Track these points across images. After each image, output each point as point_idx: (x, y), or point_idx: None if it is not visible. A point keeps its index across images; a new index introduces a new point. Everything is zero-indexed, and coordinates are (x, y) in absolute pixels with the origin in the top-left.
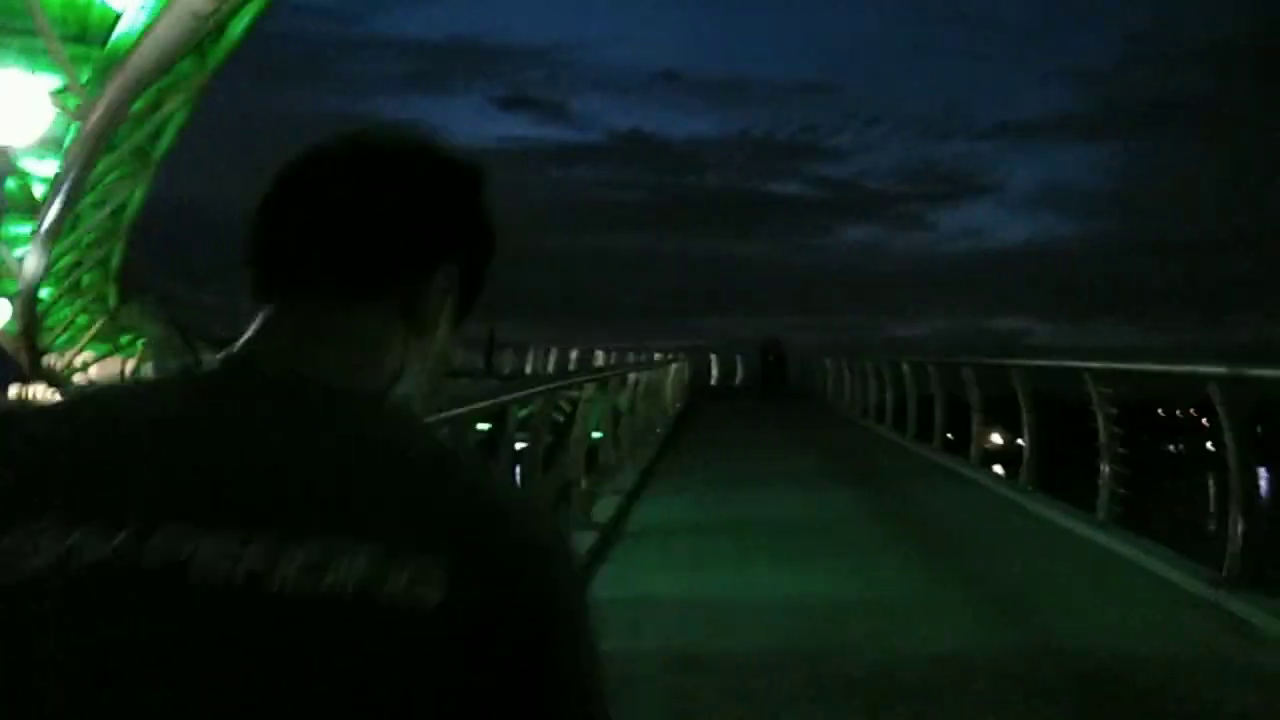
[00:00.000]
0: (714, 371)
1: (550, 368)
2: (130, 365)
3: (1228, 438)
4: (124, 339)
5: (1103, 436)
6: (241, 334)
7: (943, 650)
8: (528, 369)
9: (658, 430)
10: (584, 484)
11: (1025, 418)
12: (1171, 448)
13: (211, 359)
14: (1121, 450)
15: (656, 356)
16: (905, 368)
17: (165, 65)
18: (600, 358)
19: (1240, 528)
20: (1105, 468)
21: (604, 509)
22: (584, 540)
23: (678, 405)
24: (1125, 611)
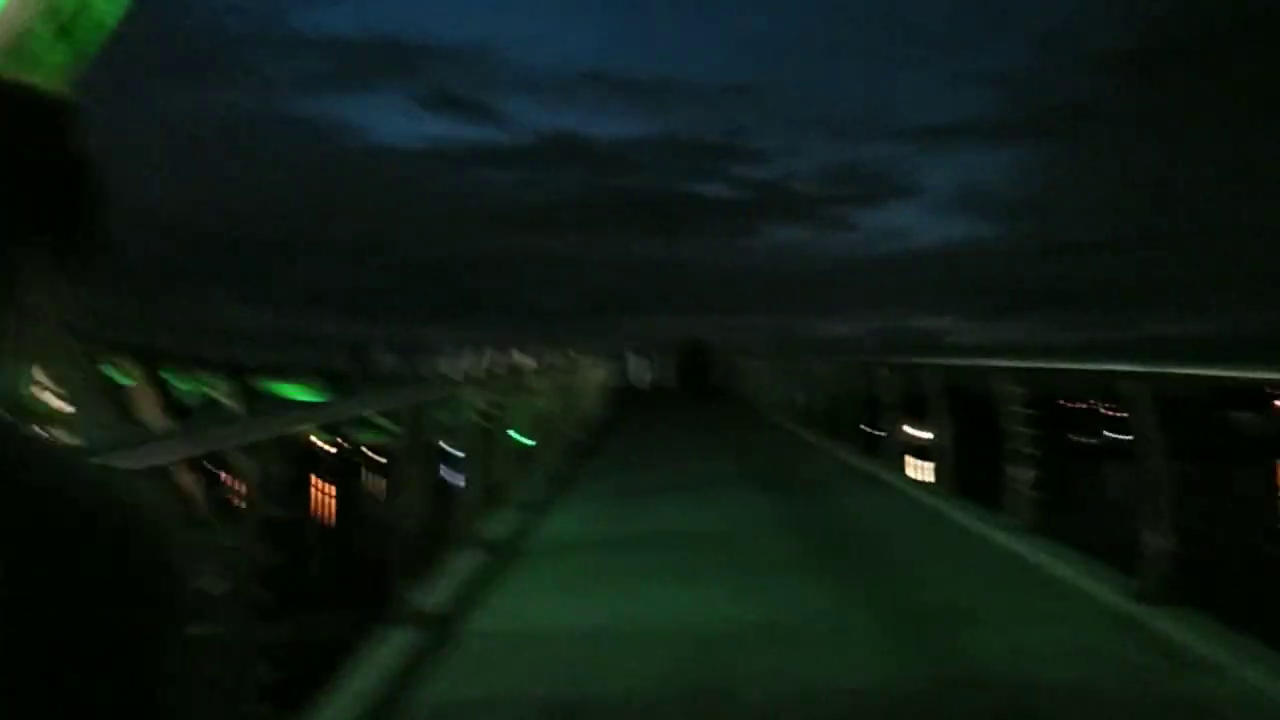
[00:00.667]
0: (636, 374)
1: (462, 372)
2: None
3: (1147, 446)
4: None
5: (1015, 438)
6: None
7: (849, 682)
8: (441, 371)
9: (573, 437)
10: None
11: (939, 420)
12: (1080, 439)
13: None
14: (1034, 452)
15: (574, 357)
16: (825, 368)
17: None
18: (518, 359)
19: (1159, 543)
20: (1019, 471)
21: (501, 525)
22: (469, 561)
23: (598, 409)
24: (1044, 631)
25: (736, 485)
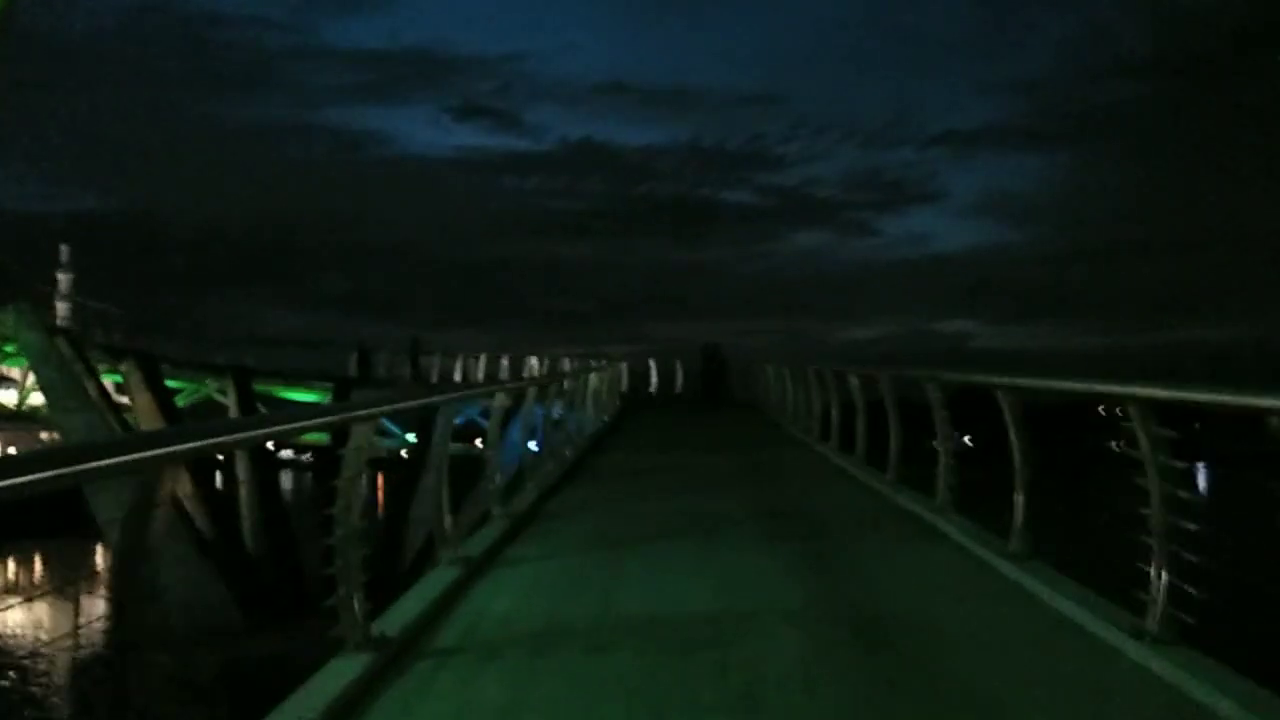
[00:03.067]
0: (652, 379)
1: (479, 375)
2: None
3: (1150, 470)
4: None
5: (1017, 462)
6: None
7: None
8: (456, 376)
9: (566, 452)
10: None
11: (1018, 456)
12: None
13: None
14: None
15: (591, 363)
16: (854, 381)
17: None
18: (533, 365)
19: (1164, 579)
20: (1019, 498)
21: (422, 596)
22: (349, 669)
23: (604, 418)
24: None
25: (743, 534)
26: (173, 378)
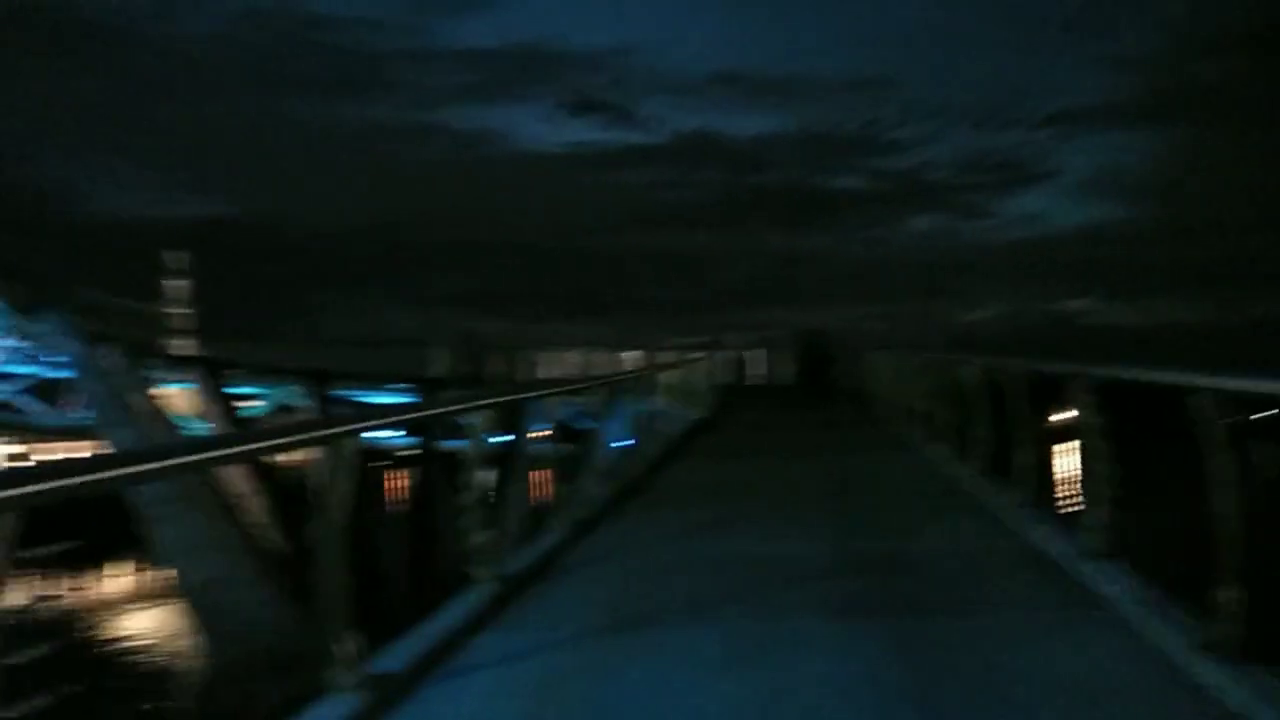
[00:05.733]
0: (755, 369)
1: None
2: None
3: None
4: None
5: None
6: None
7: None
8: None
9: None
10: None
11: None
12: None
13: None
14: None
15: (673, 356)
16: (971, 372)
17: None
18: (628, 359)
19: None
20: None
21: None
22: None
23: (693, 416)
24: None
25: (814, 602)
26: (249, 384)
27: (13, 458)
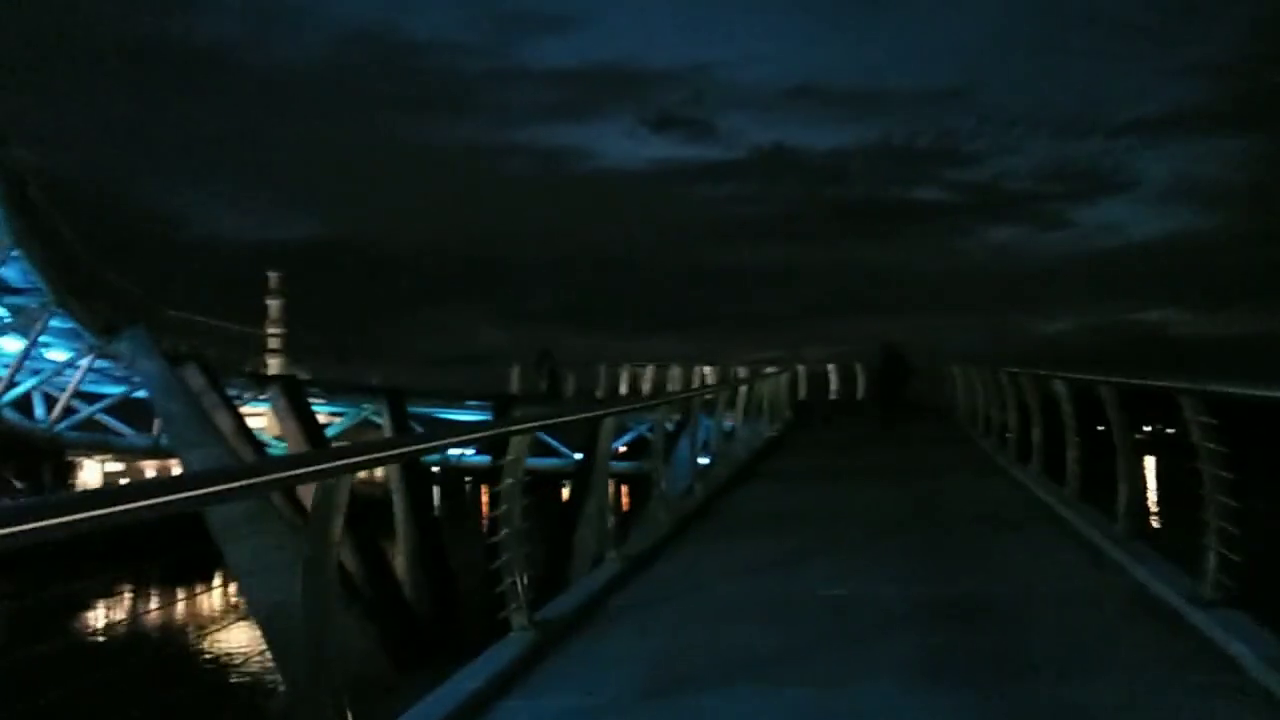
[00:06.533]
0: (832, 383)
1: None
2: None
3: None
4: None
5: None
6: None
7: None
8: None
9: (697, 486)
10: None
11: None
12: None
13: None
14: None
15: (748, 371)
16: (1060, 388)
17: None
18: (705, 373)
19: None
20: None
21: None
22: None
23: (767, 433)
24: None
25: (893, 662)
26: (330, 402)
27: (108, 475)
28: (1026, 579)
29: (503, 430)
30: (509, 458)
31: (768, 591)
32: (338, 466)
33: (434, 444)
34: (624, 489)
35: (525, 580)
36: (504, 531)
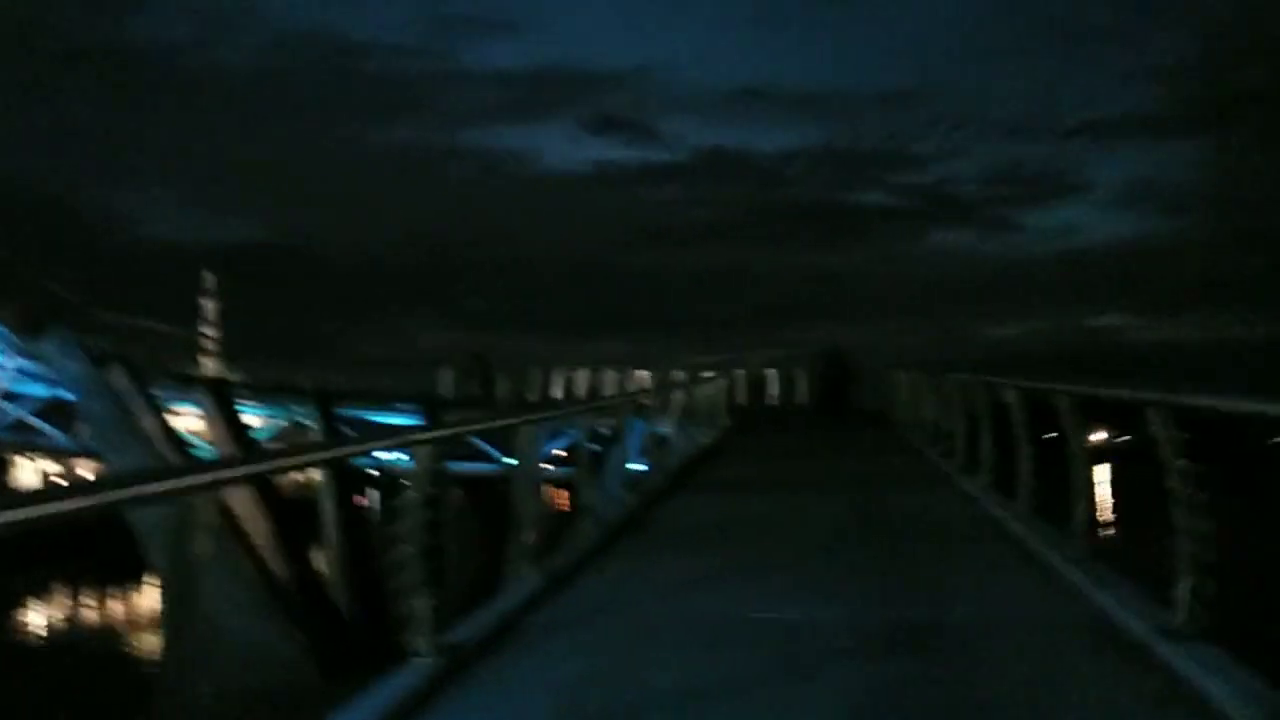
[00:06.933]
0: (773, 388)
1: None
2: None
3: None
4: None
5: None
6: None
7: None
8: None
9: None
10: None
11: None
12: None
13: None
14: None
15: (688, 375)
16: (1011, 396)
17: None
18: (636, 378)
19: None
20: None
21: None
22: None
23: (703, 440)
24: None
25: (859, 688)
26: (260, 405)
27: (47, 476)
28: (979, 603)
29: (406, 440)
30: (414, 469)
31: (698, 613)
32: (194, 483)
33: (330, 454)
34: (565, 493)
35: (428, 601)
36: (405, 548)
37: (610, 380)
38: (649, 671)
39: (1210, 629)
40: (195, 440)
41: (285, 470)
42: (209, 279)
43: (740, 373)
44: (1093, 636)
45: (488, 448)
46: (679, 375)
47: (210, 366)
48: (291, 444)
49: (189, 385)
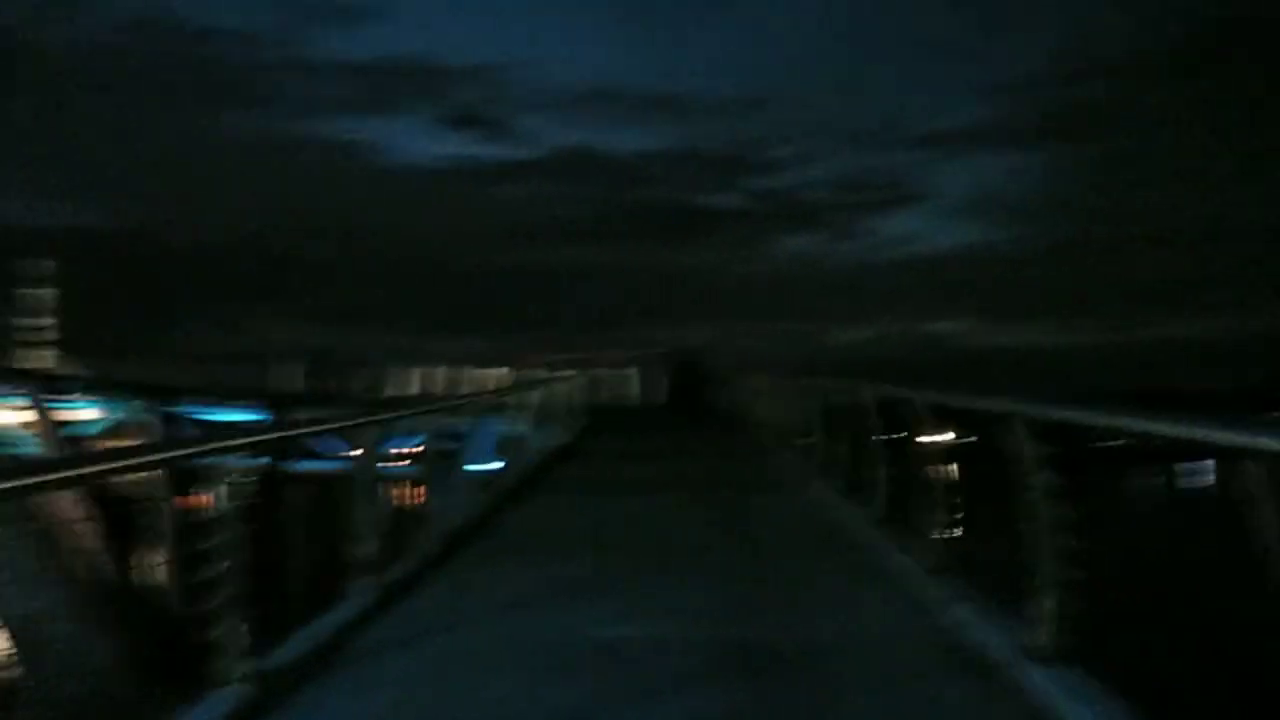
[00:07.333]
0: (632, 388)
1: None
2: None
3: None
4: None
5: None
6: None
7: None
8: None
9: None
10: None
11: None
12: None
13: None
14: None
15: (545, 374)
16: (867, 400)
17: None
18: (489, 377)
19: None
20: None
21: None
22: None
23: (555, 441)
24: None
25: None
26: (90, 399)
27: None
28: (834, 620)
29: (211, 447)
30: (230, 478)
31: (538, 631)
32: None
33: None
34: (420, 490)
35: (239, 623)
36: (217, 564)
37: (467, 378)
38: (482, 697)
39: (1073, 650)
40: (18, 436)
41: (104, 475)
42: (44, 265)
43: (600, 371)
44: (951, 657)
45: (339, 445)
46: (536, 373)
47: (44, 358)
48: (119, 444)
49: (15, 378)
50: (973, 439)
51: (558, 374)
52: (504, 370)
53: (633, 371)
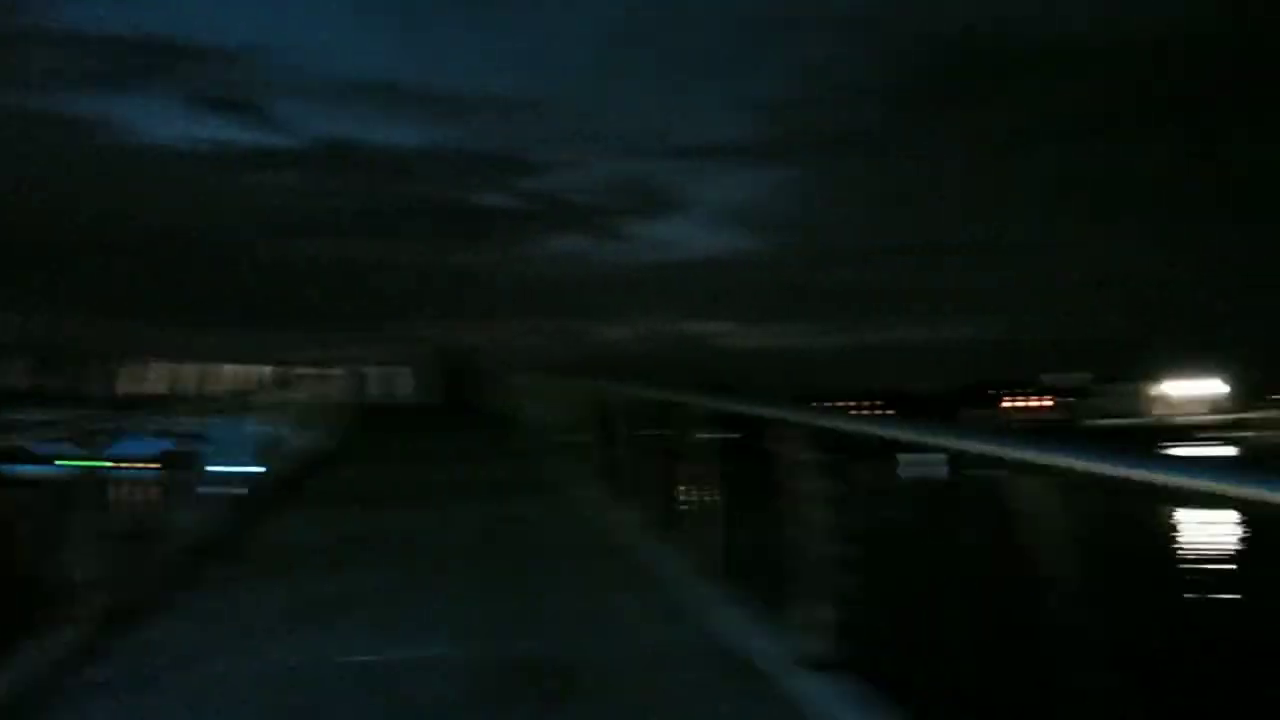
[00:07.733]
0: (400, 387)
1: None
2: None
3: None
4: None
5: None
6: None
7: None
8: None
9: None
10: None
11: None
12: None
13: None
14: None
15: (313, 372)
16: (635, 402)
17: None
18: (244, 375)
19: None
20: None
21: None
22: None
23: (312, 443)
24: None
25: None
26: None
27: None
28: (604, 634)
29: None
30: None
31: (283, 661)
32: None
33: None
34: (159, 497)
35: None
36: None
37: (223, 375)
38: None
39: (843, 658)
40: None
41: None
42: None
43: (370, 370)
44: (719, 663)
45: (64, 448)
46: (300, 371)
47: None
48: None
49: None
50: (736, 436)
51: (324, 371)
52: (265, 368)
53: (405, 370)
